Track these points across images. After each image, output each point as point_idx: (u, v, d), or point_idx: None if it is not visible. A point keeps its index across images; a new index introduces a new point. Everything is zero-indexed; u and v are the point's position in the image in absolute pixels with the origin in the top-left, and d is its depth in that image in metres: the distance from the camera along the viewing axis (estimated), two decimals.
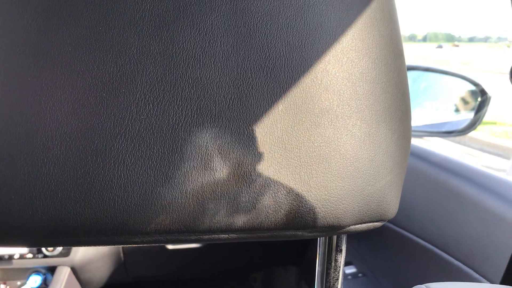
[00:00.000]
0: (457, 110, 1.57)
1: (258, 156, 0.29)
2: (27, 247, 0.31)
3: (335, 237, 0.38)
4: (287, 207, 0.30)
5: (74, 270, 1.42)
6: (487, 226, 0.90)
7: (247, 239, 0.31)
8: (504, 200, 0.89)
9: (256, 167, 0.29)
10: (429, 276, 1.05)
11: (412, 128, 1.29)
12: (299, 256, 1.73)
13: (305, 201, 0.30)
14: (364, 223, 0.32)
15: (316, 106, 0.29)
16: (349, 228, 0.32)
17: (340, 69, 0.30)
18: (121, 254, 1.48)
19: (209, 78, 0.28)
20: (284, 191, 0.29)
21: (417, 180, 1.12)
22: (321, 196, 0.30)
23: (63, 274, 1.37)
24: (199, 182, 0.28)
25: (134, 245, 0.30)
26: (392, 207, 0.33)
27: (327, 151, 0.29)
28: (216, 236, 0.30)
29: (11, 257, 1.35)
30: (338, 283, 0.39)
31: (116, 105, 0.27)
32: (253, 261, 1.72)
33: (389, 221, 1.23)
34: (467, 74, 1.35)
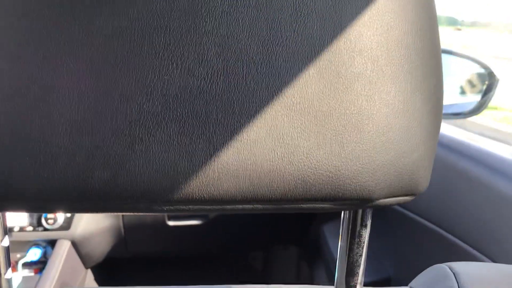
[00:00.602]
0: (462, 92, 1.55)
1: (287, 123, 0.27)
2: (43, 212, 0.29)
3: (360, 212, 0.36)
4: (316, 178, 0.28)
5: (74, 244, 1.41)
6: (497, 208, 0.89)
7: (273, 210, 0.29)
8: None
9: (285, 134, 0.27)
10: (435, 258, 1.05)
11: None
12: (301, 236, 1.73)
13: (336, 171, 0.28)
14: (394, 197, 0.31)
15: (349, 71, 0.27)
16: (378, 201, 0.30)
17: (375, 32, 0.28)
18: (122, 229, 1.48)
19: (236, 37, 0.26)
20: (314, 161, 0.28)
21: None
22: (352, 167, 0.28)
23: (63, 248, 1.37)
24: (224, 148, 0.27)
25: (153, 213, 0.29)
26: (423, 181, 0.31)
27: (360, 120, 0.28)
28: (240, 206, 0.29)
29: (10, 230, 1.34)
30: (361, 259, 0.37)
31: (138, 64, 0.25)
32: (253, 240, 1.72)
33: None
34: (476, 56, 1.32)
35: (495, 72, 1.29)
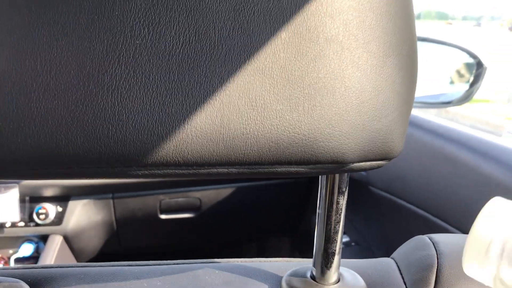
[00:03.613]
0: (452, 82, 1.56)
1: (259, 87, 0.27)
2: (16, 178, 0.29)
3: (337, 179, 0.37)
4: (289, 140, 0.28)
5: (66, 239, 1.41)
6: (483, 191, 0.90)
7: (249, 175, 0.30)
8: (500, 164, 0.88)
9: (257, 97, 0.27)
10: None
11: None
12: (293, 228, 1.73)
13: (308, 134, 0.28)
14: (368, 161, 0.31)
15: (321, 36, 0.28)
16: (353, 165, 0.31)
17: None
18: (114, 224, 1.48)
19: (208, 1, 0.26)
20: (287, 124, 0.28)
21: (412, 147, 1.11)
22: (324, 129, 0.29)
23: (56, 243, 1.37)
24: (197, 112, 0.27)
25: (129, 178, 0.29)
26: (397, 146, 0.32)
27: (332, 83, 0.28)
28: (215, 170, 0.29)
29: (2, 226, 1.34)
30: (339, 226, 0.38)
31: (109, 29, 0.26)
32: (246, 233, 1.73)
33: (384, 189, 1.23)
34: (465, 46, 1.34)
35: (483, 61, 1.30)
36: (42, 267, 0.42)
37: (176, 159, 0.28)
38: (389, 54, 0.30)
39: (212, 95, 0.27)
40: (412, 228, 1.12)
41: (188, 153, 0.28)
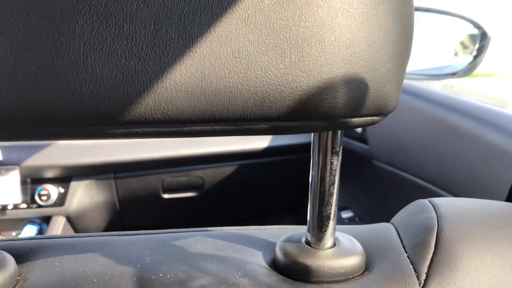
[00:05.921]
0: (456, 54, 1.53)
1: (242, 37, 0.26)
2: None
3: (330, 138, 0.35)
4: (276, 94, 0.27)
5: (69, 220, 1.41)
6: (486, 159, 0.88)
7: (233, 132, 0.28)
8: (504, 132, 0.86)
9: (240, 48, 0.26)
10: None
11: (412, 72, 1.25)
12: (296, 205, 1.73)
13: (296, 87, 0.27)
14: (362, 116, 0.29)
15: None
16: (345, 121, 0.29)
17: None
18: (117, 204, 1.48)
19: None
20: (273, 76, 0.26)
21: (415, 119, 1.09)
22: (313, 82, 0.27)
23: (58, 224, 1.36)
24: (176, 64, 0.25)
25: (107, 138, 0.27)
26: (392, 100, 0.30)
27: (321, 32, 0.26)
28: (198, 128, 0.27)
29: (4, 208, 1.34)
30: (333, 188, 0.36)
31: None
32: (250, 211, 1.72)
33: (387, 162, 1.22)
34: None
35: (488, 32, 1.27)
36: (29, 239, 0.41)
37: (156, 116, 0.26)
38: (382, 1, 0.28)
39: (192, 46, 0.25)
40: (416, 200, 1.11)
41: (168, 109, 0.26)
